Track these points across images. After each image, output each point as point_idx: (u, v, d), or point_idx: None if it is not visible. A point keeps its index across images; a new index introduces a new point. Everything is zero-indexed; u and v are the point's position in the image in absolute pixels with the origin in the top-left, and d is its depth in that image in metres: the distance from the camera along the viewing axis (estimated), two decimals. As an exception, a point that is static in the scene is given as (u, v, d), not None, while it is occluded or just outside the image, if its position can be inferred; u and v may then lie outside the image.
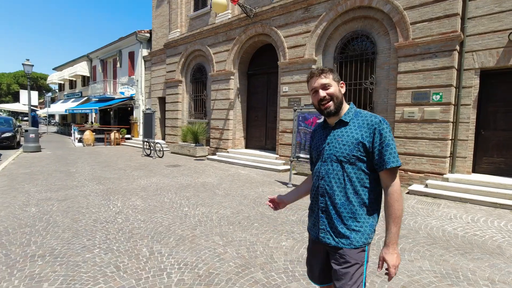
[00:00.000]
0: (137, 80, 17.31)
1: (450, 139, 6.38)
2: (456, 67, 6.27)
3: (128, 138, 17.49)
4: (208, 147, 11.94)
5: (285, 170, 8.67)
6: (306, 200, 5.62)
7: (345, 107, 1.52)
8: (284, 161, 9.09)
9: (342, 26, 8.08)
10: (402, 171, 6.78)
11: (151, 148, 11.40)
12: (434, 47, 6.36)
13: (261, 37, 10.05)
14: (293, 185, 6.76)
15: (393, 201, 1.35)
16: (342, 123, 1.48)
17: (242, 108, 11.24)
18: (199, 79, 12.73)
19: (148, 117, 11.39)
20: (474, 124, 6.31)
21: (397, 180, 1.39)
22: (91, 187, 6.18)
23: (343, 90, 1.52)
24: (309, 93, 1.58)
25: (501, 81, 6.15)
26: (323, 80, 1.46)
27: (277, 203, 1.81)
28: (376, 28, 7.47)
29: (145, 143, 11.86)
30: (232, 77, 10.94)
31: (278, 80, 9.59)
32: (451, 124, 6.36)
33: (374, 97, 7.56)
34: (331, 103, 1.45)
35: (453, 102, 6.30)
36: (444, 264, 3.11)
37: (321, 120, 1.67)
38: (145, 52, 16.98)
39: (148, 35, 16.79)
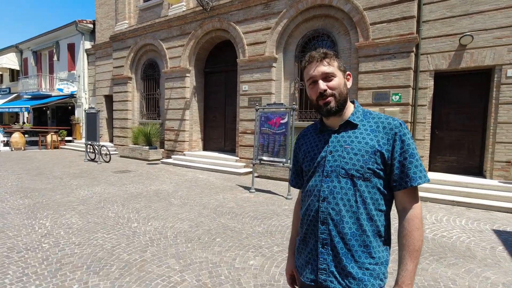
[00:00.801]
0: (79, 76, 15.51)
1: (408, 139, 6.50)
2: (413, 68, 6.41)
3: (69, 141, 15.59)
4: (162, 149, 11.01)
5: (246, 173, 8.23)
6: (272, 207, 5.30)
7: (350, 106, 1.19)
8: (245, 164, 8.64)
9: (303, 24, 7.89)
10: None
11: (96, 151, 10.14)
12: (393, 48, 6.42)
13: (219, 32, 9.49)
14: (256, 189, 6.35)
15: (413, 229, 1.05)
16: (350, 126, 1.15)
17: (199, 107, 10.55)
18: (151, 76, 11.71)
19: (91, 117, 10.12)
20: (430, 125, 6.52)
21: (419, 202, 1.10)
22: (13, 202, 5.07)
23: (349, 84, 1.18)
24: (305, 83, 1.19)
25: (453, 83, 6.42)
26: (325, 68, 1.11)
27: (295, 276, 1.32)
28: (336, 27, 7.40)
29: (88, 146, 10.53)
30: (187, 74, 10.20)
31: (238, 79, 9.13)
32: (410, 124, 6.48)
33: (335, 97, 7.48)
34: (331, 98, 1.11)
35: (411, 103, 6.43)
36: (424, 273, 2.92)
37: (314, 122, 1.33)
38: (88, 44, 15.28)
39: (91, 25, 15.13)
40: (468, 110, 6.32)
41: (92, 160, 10.39)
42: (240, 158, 8.89)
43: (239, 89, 8.99)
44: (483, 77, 6.18)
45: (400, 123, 1.10)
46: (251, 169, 8.32)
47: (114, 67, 12.62)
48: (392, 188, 1.10)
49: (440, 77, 6.45)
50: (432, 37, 6.35)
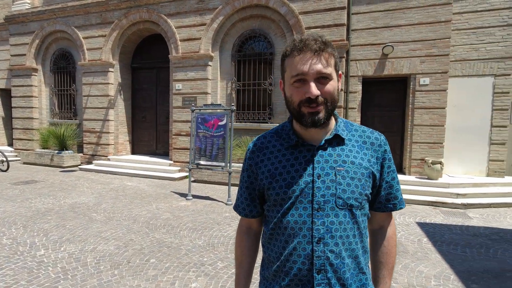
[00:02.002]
0: (-36, 65, 12.46)
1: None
2: (344, 73, 6.78)
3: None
4: (81, 154, 9.54)
5: (182, 178, 7.65)
6: (212, 215, 4.89)
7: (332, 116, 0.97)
8: (179, 168, 8.03)
9: (239, 23, 7.69)
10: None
11: (-11, 159, 8.20)
12: (326, 53, 6.69)
13: (148, 24, 8.63)
14: (194, 196, 5.88)
15: (392, 246, 1.01)
16: (337, 141, 0.92)
17: (126, 107, 9.45)
18: (64, 68, 10.04)
19: (-19, 116, 8.13)
20: (358, 126, 7.02)
21: (393, 218, 1.06)
22: None
23: (339, 85, 0.92)
24: (284, 77, 0.91)
25: (377, 88, 7.03)
26: (322, 66, 0.83)
27: None
28: (273, 29, 7.40)
29: (-23, 152, 8.45)
30: (111, 69, 9.03)
31: (170, 76, 8.45)
32: (341, 126, 6.85)
33: (273, 98, 7.49)
34: (322, 107, 0.85)
35: (343, 106, 6.80)
36: (369, 275, 2.96)
37: (273, 130, 1.04)
38: (-24, 26, 12.38)
39: (-20, 4, 12.30)
40: (390, 113, 7.00)
41: (-17, 169, 8.37)
42: (174, 161, 8.24)
43: (172, 87, 8.33)
44: (401, 84, 6.91)
45: (385, 137, 0.99)
46: (186, 173, 7.76)
47: (12, 55, 10.43)
48: (373, 209, 0.99)
49: (367, 82, 6.99)
50: (360, 45, 6.83)
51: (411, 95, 6.58)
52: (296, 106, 0.86)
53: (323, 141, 0.90)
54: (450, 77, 6.52)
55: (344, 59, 6.70)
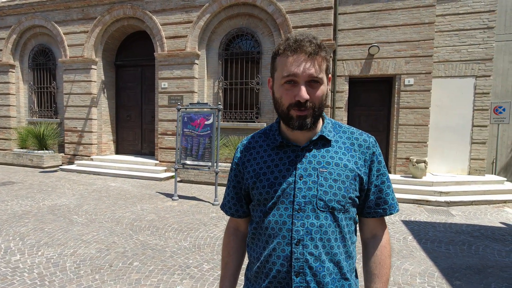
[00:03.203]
0: None
1: (328, 140, 6.92)
2: (332, 73, 6.81)
3: None
4: (62, 154, 9.21)
5: (168, 178, 7.50)
6: (198, 215, 4.78)
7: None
8: (165, 168, 7.88)
9: (226, 21, 7.60)
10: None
11: (-38, 159, 7.79)
12: (313, 53, 6.70)
13: (132, 21, 8.42)
14: (180, 196, 5.77)
15: (386, 257, 0.94)
16: (323, 142, 0.91)
17: (109, 105, 9.19)
18: (44, 65, 9.67)
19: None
20: (345, 126, 7.07)
21: (387, 227, 1.00)
22: None
23: (328, 88, 0.92)
24: (274, 76, 0.89)
25: (363, 88, 7.10)
26: (314, 70, 0.81)
27: None
28: (260, 28, 7.36)
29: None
30: (94, 66, 8.76)
31: (156, 75, 8.28)
32: (328, 125, 6.89)
33: (260, 97, 7.45)
34: (310, 112, 0.84)
35: (330, 105, 6.83)
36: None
37: (262, 130, 1.02)
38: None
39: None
40: (376, 112, 7.09)
41: (-44, 170, 7.96)
42: (160, 161, 8.07)
43: (158, 86, 8.16)
44: (387, 84, 7.00)
45: (374, 140, 0.96)
46: (172, 173, 7.63)
47: (-12, 51, 9.97)
48: (363, 215, 0.95)
49: (353, 82, 7.05)
50: (346, 45, 6.87)
51: (396, 95, 6.68)
52: (285, 109, 0.85)
53: (308, 142, 0.88)
54: (433, 78, 6.66)
55: (331, 59, 6.73)
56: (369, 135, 0.95)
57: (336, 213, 0.85)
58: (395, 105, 6.71)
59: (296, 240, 0.83)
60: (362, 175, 0.88)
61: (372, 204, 0.92)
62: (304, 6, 6.76)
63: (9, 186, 6.37)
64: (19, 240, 3.55)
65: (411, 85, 6.56)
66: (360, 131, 0.96)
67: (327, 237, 0.84)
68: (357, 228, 0.97)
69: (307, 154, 0.88)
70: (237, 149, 1.02)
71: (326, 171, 0.85)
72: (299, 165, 0.87)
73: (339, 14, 6.86)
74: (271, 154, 0.92)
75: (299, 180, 0.85)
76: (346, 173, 0.86)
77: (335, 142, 0.90)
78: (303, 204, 0.84)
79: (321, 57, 0.82)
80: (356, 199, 0.89)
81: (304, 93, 0.80)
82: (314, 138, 0.89)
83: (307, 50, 0.80)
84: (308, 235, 0.83)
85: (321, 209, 0.84)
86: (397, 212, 0.96)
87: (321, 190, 0.84)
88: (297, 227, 0.84)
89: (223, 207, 1.06)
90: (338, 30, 6.86)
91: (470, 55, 6.64)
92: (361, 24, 6.78)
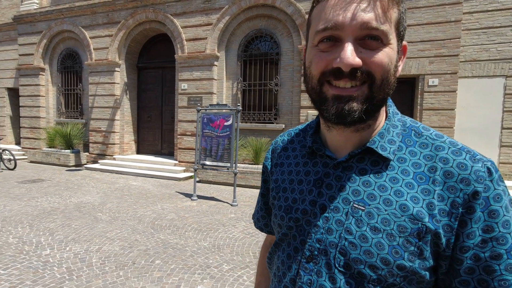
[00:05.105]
0: (-27, 64, 12.62)
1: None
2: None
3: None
4: (87, 153, 9.59)
5: (187, 178, 7.63)
6: (217, 216, 4.83)
7: (381, 112, 0.58)
8: (184, 168, 8.03)
9: (245, 23, 7.65)
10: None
11: (-4, 157, 8.28)
12: (333, 53, 6.61)
13: (154, 24, 8.64)
14: (198, 196, 5.86)
15: None
16: (373, 158, 0.56)
17: (131, 106, 9.47)
18: (71, 68, 10.11)
19: (-11, 115, 8.20)
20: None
21: None
22: None
23: (400, 67, 0.56)
24: (308, 38, 0.57)
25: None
26: (372, 15, 0.47)
27: None
28: (279, 29, 7.35)
29: (-15, 150, 8.54)
30: (117, 68, 9.06)
31: (176, 76, 8.45)
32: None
33: (279, 98, 7.43)
34: (360, 91, 0.51)
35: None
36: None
37: (303, 126, 0.72)
38: (-15, 26, 12.53)
39: (-10, 4, 12.45)
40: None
41: (-9, 167, 8.46)
42: (179, 162, 8.23)
43: (178, 87, 8.32)
44: (410, 85, 6.80)
45: (488, 168, 0.50)
46: (191, 173, 7.76)
47: (20, 55, 10.54)
48: None
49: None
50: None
51: (419, 96, 6.48)
52: (316, 82, 0.53)
53: (347, 155, 0.57)
54: (459, 78, 6.40)
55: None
56: (477, 157, 0.52)
57: (366, 284, 0.51)
58: (418, 107, 6.50)
59: None
60: (440, 230, 0.49)
61: None
62: (324, 6, 6.68)
63: (39, 184, 6.70)
64: (49, 235, 3.73)
65: (436, 85, 6.34)
66: (461, 146, 0.54)
67: None
68: None
69: (342, 174, 0.57)
70: (271, 147, 0.77)
71: (363, 210, 0.53)
72: (325, 190, 0.57)
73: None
74: (299, 162, 0.65)
75: (319, 213, 0.57)
76: (402, 221, 0.50)
77: (399, 162, 0.54)
78: (316, 252, 0.56)
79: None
80: (422, 272, 0.50)
81: (349, 53, 0.47)
82: (358, 150, 0.56)
83: None
84: None
85: (340, 270, 0.53)
86: None
87: (346, 238, 0.53)
88: (302, 283, 0.56)
89: (253, 217, 0.84)
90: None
91: (499, 54, 6.34)
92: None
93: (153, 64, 9.41)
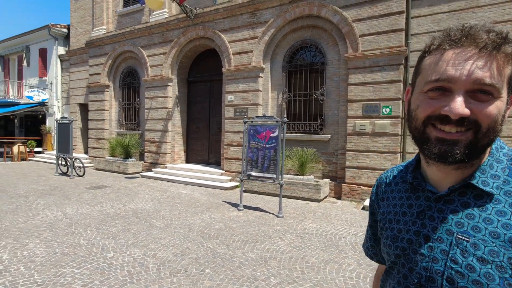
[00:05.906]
0: (51, 83, 14.58)
1: (400, 152, 6.40)
2: (403, 81, 6.35)
3: (39, 152, 14.52)
4: (142, 162, 10.40)
5: (233, 188, 7.83)
6: (263, 227, 4.87)
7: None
8: (230, 177, 8.25)
9: (290, 34, 7.72)
10: (355, 185, 6.57)
11: (68, 164, 9.38)
12: (382, 60, 6.35)
13: (203, 40, 9.15)
14: (245, 206, 5.97)
15: None
16: (477, 194, 0.58)
17: (181, 118, 10.08)
18: (131, 84, 11.14)
19: (63, 128, 9.37)
20: (420, 137, 6.46)
21: None
22: (-33, 229, 4.40)
23: (507, 114, 0.58)
24: (415, 82, 0.64)
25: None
26: (487, 72, 0.52)
27: None
28: (325, 38, 7.28)
29: (60, 158, 9.74)
30: (170, 83, 9.74)
31: (223, 89, 8.80)
32: (400, 137, 6.38)
33: (325, 108, 7.31)
34: (465, 136, 0.55)
35: (401, 116, 6.35)
36: None
37: (405, 164, 0.78)
38: (61, 50, 14.44)
39: (65, 30, 14.34)
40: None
41: (64, 174, 9.60)
42: (225, 171, 8.49)
43: (224, 99, 8.65)
44: (471, 91, 6.21)
45: None
46: (237, 183, 7.94)
47: (90, 75, 11.93)
48: None
49: (429, 90, 6.43)
50: (420, 50, 6.32)
51: (483, 103, 5.87)
52: (420, 123, 0.58)
53: (448, 189, 0.60)
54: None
55: (402, 66, 6.27)
56: None
57: None
58: (483, 115, 5.89)
59: None
60: None
61: None
62: (371, 13, 6.48)
63: (103, 190, 7.41)
64: (112, 239, 4.10)
65: (504, 91, 5.69)
66: None
67: None
68: None
69: (444, 207, 0.60)
70: (376, 183, 0.84)
71: (468, 241, 0.55)
72: (427, 221, 0.62)
73: (412, 17, 6.39)
74: (402, 196, 0.71)
75: (423, 242, 0.61)
76: (510, 252, 0.51)
77: (506, 195, 0.56)
78: (423, 279, 0.59)
79: (505, 56, 0.52)
80: None
81: (459, 104, 0.52)
82: (458, 185, 0.59)
83: (480, 41, 0.51)
84: None
85: None
86: None
87: (452, 267, 0.55)
88: None
89: (363, 245, 0.92)
90: (411, 35, 6.38)
91: None
92: (438, 26, 6.19)
93: (202, 77, 9.93)
